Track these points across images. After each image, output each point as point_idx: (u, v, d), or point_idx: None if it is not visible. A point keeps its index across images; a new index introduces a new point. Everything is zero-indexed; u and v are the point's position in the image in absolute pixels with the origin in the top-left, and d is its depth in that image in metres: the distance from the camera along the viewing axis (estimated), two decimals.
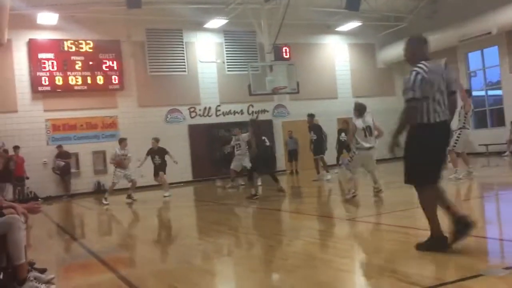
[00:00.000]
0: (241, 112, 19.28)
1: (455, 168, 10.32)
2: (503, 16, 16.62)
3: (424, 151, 4.29)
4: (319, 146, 13.69)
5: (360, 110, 8.47)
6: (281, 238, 6.19)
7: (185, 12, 17.15)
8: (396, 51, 21.48)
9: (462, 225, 4.28)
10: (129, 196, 12.52)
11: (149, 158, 13.03)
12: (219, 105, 19.07)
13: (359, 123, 8.36)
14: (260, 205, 10.27)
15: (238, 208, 10.14)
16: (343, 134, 15.72)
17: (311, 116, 13.99)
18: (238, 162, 13.45)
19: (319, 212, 8.66)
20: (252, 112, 19.37)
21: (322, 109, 19.69)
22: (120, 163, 12.22)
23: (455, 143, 10.12)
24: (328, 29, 20.73)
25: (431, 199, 4.48)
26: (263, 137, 10.97)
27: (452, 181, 10.11)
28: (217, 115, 19.00)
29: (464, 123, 10.19)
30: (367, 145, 8.33)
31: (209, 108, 18.92)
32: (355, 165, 8.76)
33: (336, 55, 21.54)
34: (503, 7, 16.45)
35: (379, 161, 15.66)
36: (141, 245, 6.76)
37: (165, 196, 12.63)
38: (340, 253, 5.08)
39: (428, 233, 5.03)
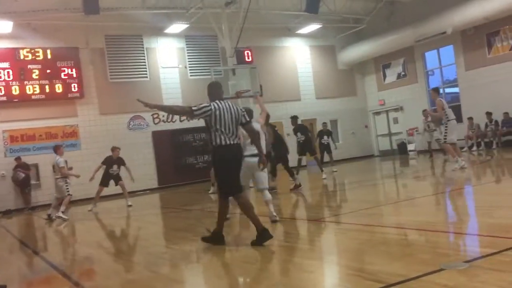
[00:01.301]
0: None
1: (454, 158, 10.82)
2: (457, 16, 17.18)
3: (221, 168, 5.52)
4: (309, 145, 13.60)
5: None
6: (248, 243, 6.18)
7: (145, 17, 16.95)
8: (356, 52, 21.97)
9: (262, 236, 5.36)
10: (49, 216, 11.39)
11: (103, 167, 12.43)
12: None
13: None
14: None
15: (204, 213, 10.06)
16: (325, 137, 15.86)
17: (294, 118, 13.86)
18: None
19: (285, 215, 8.69)
20: None
21: (286, 112, 19.81)
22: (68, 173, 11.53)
23: (445, 135, 10.79)
24: (289, 32, 20.91)
25: (245, 204, 5.58)
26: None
27: (457, 171, 10.40)
28: (181, 121, 18.81)
29: (446, 116, 10.96)
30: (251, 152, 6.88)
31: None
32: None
33: (298, 57, 21.75)
34: (457, 7, 17.02)
35: (347, 160, 16.03)
36: (106, 255, 6.62)
37: (129, 206, 12.28)
38: (307, 254, 5.11)
39: (391, 229, 5.13)
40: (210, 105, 5.51)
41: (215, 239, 5.74)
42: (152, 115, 18.32)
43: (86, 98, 17.08)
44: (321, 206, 9.28)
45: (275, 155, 10.93)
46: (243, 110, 5.78)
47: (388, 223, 6.45)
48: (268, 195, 7.11)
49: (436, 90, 11.75)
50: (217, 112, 5.43)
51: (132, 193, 16.50)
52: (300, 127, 13.71)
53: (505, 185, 9.02)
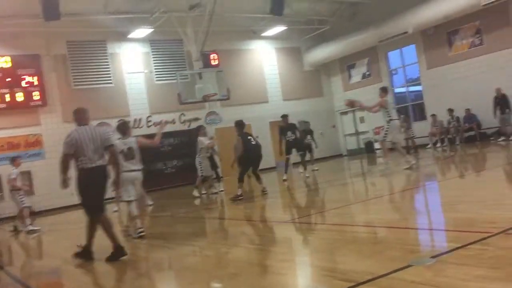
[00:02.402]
0: (173, 121, 19.01)
1: (386, 159, 11.06)
2: (417, 16, 17.60)
3: (84, 190, 5.90)
4: (299, 144, 13.68)
5: (123, 130, 7.63)
6: (219, 247, 6.14)
7: (108, 22, 16.66)
8: (321, 53, 22.22)
9: (117, 252, 5.83)
10: (16, 228, 11.20)
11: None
12: (149, 116, 18.69)
13: (120, 144, 7.26)
14: (196, 214, 10.17)
15: (174, 219, 9.96)
16: (308, 137, 15.74)
17: (285, 116, 13.82)
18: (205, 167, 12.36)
19: (257, 217, 8.69)
20: (185, 120, 19.22)
21: (254, 114, 19.90)
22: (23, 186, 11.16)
23: (385, 134, 11.03)
24: (255, 34, 20.96)
25: (105, 223, 6.02)
26: (249, 137, 10.75)
27: (385, 171, 10.62)
28: (148, 126, 18.59)
29: (389, 116, 11.06)
30: (131, 167, 7.32)
31: (140, 119, 18.50)
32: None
33: (264, 59, 21.83)
34: (417, 7, 17.43)
35: (316, 160, 16.16)
36: (72, 267, 6.44)
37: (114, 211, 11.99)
38: (279, 256, 5.11)
39: (361, 228, 5.16)
40: (70, 135, 5.94)
41: (85, 255, 6.09)
42: (118, 121, 18.00)
43: (49, 106, 16.68)
44: (292, 207, 9.32)
45: (244, 161, 10.84)
46: (108, 133, 6.26)
47: (358, 221, 6.53)
48: (134, 209, 7.35)
49: (384, 89, 11.62)
50: (78, 139, 5.85)
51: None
52: (291, 126, 13.69)
53: (468, 180, 9.27)
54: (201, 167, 12.26)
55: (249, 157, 10.69)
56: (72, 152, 5.85)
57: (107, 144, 6.05)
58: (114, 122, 17.77)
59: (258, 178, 10.92)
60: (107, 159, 6.14)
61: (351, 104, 12.72)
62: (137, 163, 7.50)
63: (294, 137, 13.38)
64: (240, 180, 10.62)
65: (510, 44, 16.17)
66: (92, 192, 5.89)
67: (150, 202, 12.07)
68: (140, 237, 7.12)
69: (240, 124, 10.93)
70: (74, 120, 6.18)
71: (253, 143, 10.66)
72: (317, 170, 15.18)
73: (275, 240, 6.22)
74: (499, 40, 16.47)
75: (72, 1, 14.83)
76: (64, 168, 5.92)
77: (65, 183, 5.93)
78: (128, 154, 7.37)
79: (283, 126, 13.69)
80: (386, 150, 11.59)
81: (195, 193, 12.61)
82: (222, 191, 13.09)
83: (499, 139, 15.39)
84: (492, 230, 4.31)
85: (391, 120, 11.16)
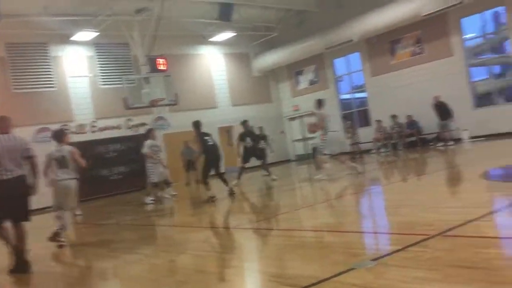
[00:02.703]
0: (119, 126, 18.60)
1: (319, 170, 11.40)
2: (362, 24, 18.15)
3: None
4: (259, 152, 13.78)
5: (58, 137, 7.71)
6: (167, 255, 6.04)
7: (50, 24, 16.07)
8: (269, 59, 22.45)
9: (20, 266, 5.65)
10: None
11: None
12: (94, 121, 18.18)
13: (53, 151, 7.44)
14: (143, 221, 9.98)
15: (119, 226, 9.72)
16: (262, 142, 15.60)
17: (245, 122, 13.77)
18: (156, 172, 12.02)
19: (206, 223, 8.63)
20: (132, 125, 18.83)
21: (202, 120, 19.51)
22: None
23: (321, 147, 11.39)
24: (203, 39, 20.88)
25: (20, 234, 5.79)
26: (206, 137, 10.56)
27: (322, 181, 10.88)
28: (92, 132, 18.09)
29: (325, 129, 11.64)
30: (64, 176, 7.37)
31: (84, 124, 17.96)
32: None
33: (213, 65, 21.80)
34: (362, 17, 17.97)
35: (272, 163, 16.24)
36: (8, 278, 6.13)
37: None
38: (226, 263, 5.10)
39: (308, 232, 5.23)
40: None
41: (18, 268, 5.74)
42: (61, 126, 17.41)
43: None
44: (241, 213, 9.32)
45: (204, 162, 10.74)
46: (28, 144, 6.03)
47: (305, 226, 6.62)
48: (68, 219, 7.63)
49: (320, 102, 12.08)
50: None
51: (41, 210, 15.59)
52: (250, 132, 13.72)
53: (409, 184, 9.63)
54: (152, 172, 11.94)
55: (207, 158, 10.61)
56: None
57: (26, 154, 5.91)
58: (56, 127, 17.21)
59: (223, 180, 10.84)
60: (27, 168, 5.96)
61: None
62: (71, 172, 7.43)
63: (253, 144, 13.44)
64: (205, 182, 10.56)
65: (448, 53, 17.01)
66: (2, 203, 5.68)
67: (78, 213, 11.65)
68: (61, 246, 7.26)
69: (196, 124, 10.84)
70: None
71: (210, 143, 10.57)
72: (267, 175, 15.06)
73: (223, 246, 6.20)
74: (438, 49, 17.29)
75: (11, 1, 14.21)
76: None
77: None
78: (62, 162, 7.31)
79: (243, 132, 13.70)
80: (320, 163, 11.91)
81: (146, 199, 12.31)
82: (175, 194, 12.98)
83: (438, 145, 16.10)
84: (430, 232, 4.50)
85: (326, 133, 11.57)
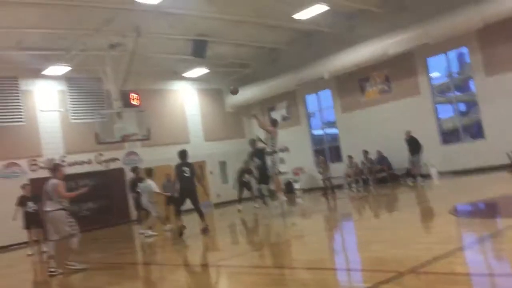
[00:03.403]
0: (89, 161, 18.32)
1: (280, 194, 11.58)
2: (332, 62, 18.61)
3: None
4: (264, 173, 13.28)
5: (51, 170, 8.32)
6: None
7: (20, 58, 15.94)
8: (242, 95, 22.60)
9: None
10: None
11: None
12: (64, 156, 17.86)
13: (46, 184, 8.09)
14: (114, 260, 9.72)
15: (89, 266, 9.43)
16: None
17: (252, 141, 14.11)
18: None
19: (179, 261, 8.48)
20: (102, 161, 18.57)
21: (175, 155, 19.61)
22: None
23: (273, 165, 11.72)
24: (176, 75, 21.02)
25: None
26: (184, 168, 10.51)
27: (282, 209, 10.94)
28: (62, 167, 17.71)
29: (273, 147, 12.12)
30: (49, 208, 7.93)
31: (53, 159, 17.60)
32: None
33: (186, 100, 21.89)
34: (332, 55, 18.46)
35: (235, 201, 16.16)
36: None
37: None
38: None
39: (282, 270, 5.19)
40: None
41: None
42: (29, 161, 17.06)
43: None
44: (213, 250, 9.20)
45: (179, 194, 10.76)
46: None
47: (278, 263, 6.58)
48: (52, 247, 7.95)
49: (274, 122, 12.90)
50: None
51: (5, 248, 15.07)
52: (258, 152, 13.47)
53: (381, 219, 9.72)
54: (153, 207, 12.11)
55: (180, 190, 10.66)
56: None
57: None
58: (24, 162, 16.83)
59: (199, 215, 10.68)
60: None
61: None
62: (55, 203, 7.92)
63: (260, 163, 13.43)
64: (176, 213, 10.56)
65: (415, 91, 17.55)
66: None
67: (45, 249, 11.48)
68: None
69: (179, 154, 10.89)
70: None
71: (186, 175, 10.53)
72: (258, 207, 14.95)
73: (196, 285, 6.08)
74: (405, 87, 17.83)
75: None
76: None
77: None
78: (47, 195, 7.97)
79: (251, 152, 14.10)
80: (279, 183, 12.12)
81: (149, 232, 12.04)
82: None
83: (408, 180, 16.35)
84: (401, 269, 4.54)
85: (275, 152, 12.03)
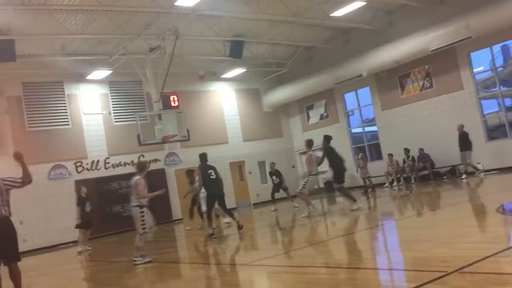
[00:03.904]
0: (132, 162, 18.73)
1: (309, 206, 11.40)
2: (371, 59, 18.35)
3: None
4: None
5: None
6: None
7: (65, 64, 16.54)
8: (279, 94, 22.68)
9: None
10: None
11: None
12: (108, 157, 18.38)
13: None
14: (154, 258, 9.91)
15: (131, 264, 9.66)
16: (274, 177, 16.39)
17: (272, 164, 16.42)
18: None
19: (216, 259, 8.57)
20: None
21: (214, 155, 19.77)
22: None
23: (303, 187, 11.77)
24: (215, 76, 21.23)
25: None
26: (210, 171, 10.64)
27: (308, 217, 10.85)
28: (106, 168, 18.26)
29: (311, 170, 11.88)
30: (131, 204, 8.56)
31: (97, 161, 18.15)
32: None
33: (224, 101, 22.07)
34: (370, 52, 18.19)
35: (278, 199, 16.22)
36: None
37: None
38: None
39: (321, 269, 5.17)
40: None
41: None
42: (75, 163, 17.65)
43: (2, 148, 16.11)
44: (252, 249, 9.24)
45: (207, 197, 10.92)
46: (6, 179, 6.02)
47: (318, 262, 6.54)
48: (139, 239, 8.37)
49: (309, 143, 12.39)
50: None
51: (55, 247, 15.62)
52: (276, 172, 16.17)
53: (424, 218, 9.51)
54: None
55: (208, 192, 10.70)
56: None
57: (6, 187, 5.97)
58: (70, 164, 17.42)
59: (229, 215, 10.79)
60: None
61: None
62: (134, 199, 8.43)
63: (279, 181, 15.65)
64: (208, 217, 10.60)
65: (458, 87, 17.04)
66: None
67: (88, 248, 12.78)
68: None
69: (200, 157, 11.00)
70: None
71: (212, 177, 10.59)
72: (297, 207, 14.96)
73: (235, 284, 6.13)
74: (448, 83, 17.35)
75: (28, 43, 14.68)
76: None
77: None
78: (131, 191, 8.57)
79: (270, 171, 16.48)
80: (306, 198, 11.90)
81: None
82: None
83: (462, 177, 15.66)
84: (447, 269, 4.42)
85: (311, 174, 11.82)
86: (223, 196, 10.95)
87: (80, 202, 12.66)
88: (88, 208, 12.61)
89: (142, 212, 8.35)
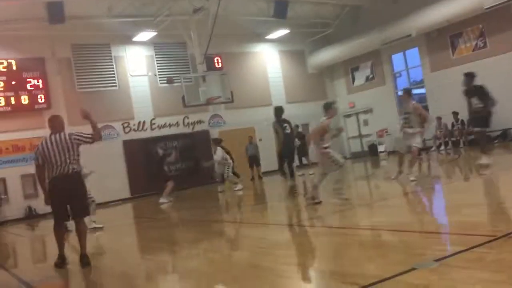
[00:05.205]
0: (177, 124, 19.10)
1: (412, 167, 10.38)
2: (421, 19, 17.60)
3: (51, 199, 5.95)
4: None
5: (324, 108, 8.54)
6: (223, 250, 6.16)
7: (112, 26, 16.75)
8: (324, 56, 22.24)
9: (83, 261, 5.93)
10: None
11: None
12: (153, 119, 18.76)
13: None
14: (200, 217, 10.19)
15: (178, 222, 9.98)
16: (296, 140, 15.83)
17: (296, 126, 15.77)
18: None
19: (261, 220, 8.70)
20: (189, 123, 19.30)
21: (257, 117, 19.87)
22: None
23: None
24: (258, 37, 21.00)
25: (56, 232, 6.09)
26: (285, 125, 10.53)
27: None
28: (152, 129, 18.68)
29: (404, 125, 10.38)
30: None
31: (144, 122, 18.57)
32: None
33: (268, 62, 21.86)
34: (421, 10, 17.43)
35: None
36: (77, 270, 6.47)
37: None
38: (281, 259, 5.11)
39: (364, 231, 5.17)
40: (37, 146, 6.13)
41: (59, 263, 6.13)
42: (123, 124, 18.13)
43: (54, 109, 16.67)
44: (295, 210, 9.33)
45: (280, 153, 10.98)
46: (74, 134, 6.06)
47: (361, 224, 6.53)
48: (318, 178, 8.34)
49: (408, 92, 10.51)
50: (42, 149, 5.93)
51: (104, 204, 16.28)
52: (298, 134, 15.59)
53: (472, 183, 9.26)
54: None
55: (284, 147, 10.47)
56: (41, 163, 5.93)
57: (86, 140, 6.05)
58: (118, 125, 17.92)
59: (291, 175, 10.66)
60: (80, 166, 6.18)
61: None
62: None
63: (300, 144, 14.93)
64: (281, 173, 10.56)
65: None
66: (55, 202, 5.92)
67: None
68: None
69: (275, 110, 10.74)
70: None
71: (287, 131, 10.45)
72: (312, 174, 14.91)
73: (277, 243, 6.21)
74: (503, 42, 16.45)
75: (76, 4, 14.93)
76: (39, 179, 6.07)
77: (47, 200, 5.97)
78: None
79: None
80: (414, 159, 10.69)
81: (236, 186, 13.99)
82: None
83: None
84: (495, 233, 4.32)
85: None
86: (293, 151, 10.80)
87: (161, 160, 14.19)
88: (169, 162, 14.64)
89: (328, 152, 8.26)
